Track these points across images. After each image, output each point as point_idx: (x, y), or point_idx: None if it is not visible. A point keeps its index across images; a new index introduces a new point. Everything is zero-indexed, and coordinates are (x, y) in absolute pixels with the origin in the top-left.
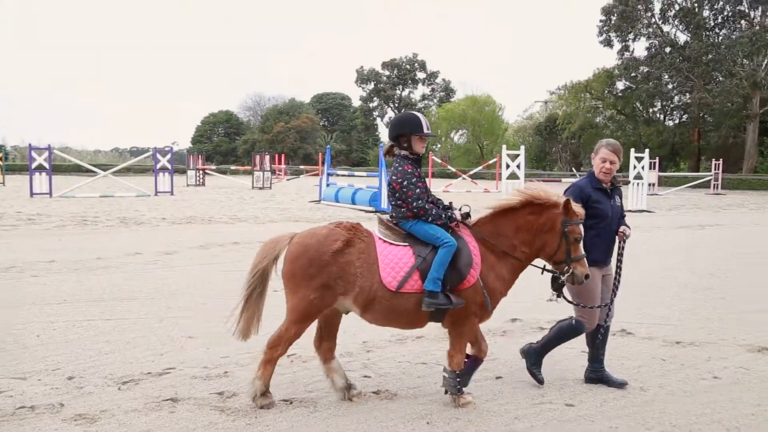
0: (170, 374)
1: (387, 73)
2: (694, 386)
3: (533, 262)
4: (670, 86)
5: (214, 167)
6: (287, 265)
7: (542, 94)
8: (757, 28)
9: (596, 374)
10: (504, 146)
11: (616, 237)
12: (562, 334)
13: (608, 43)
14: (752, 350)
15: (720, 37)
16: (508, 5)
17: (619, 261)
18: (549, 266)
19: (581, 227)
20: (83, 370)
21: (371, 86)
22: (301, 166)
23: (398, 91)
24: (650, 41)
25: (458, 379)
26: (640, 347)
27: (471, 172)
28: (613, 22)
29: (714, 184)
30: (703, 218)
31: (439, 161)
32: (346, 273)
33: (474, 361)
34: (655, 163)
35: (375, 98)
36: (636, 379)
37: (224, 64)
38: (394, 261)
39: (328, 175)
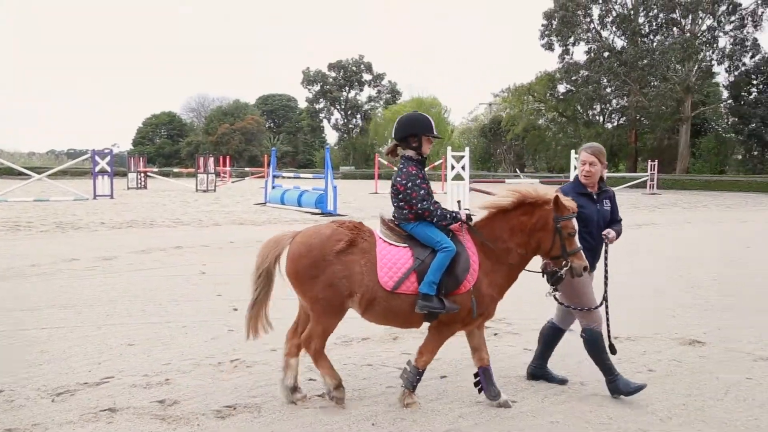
0: (108, 383)
1: (333, 74)
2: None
3: (529, 266)
4: (608, 90)
5: (156, 170)
6: (290, 264)
7: (487, 96)
8: (688, 35)
9: (539, 371)
10: (449, 148)
11: (602, 235)
12: (596, 348)
13: (550, 47)
14: (684, 343)
15: (654, 43)
16: (455, 8)
17: (605, 266)
18: (547, 267)
19: (574, 221)
20: (14, 382)
21: (317, 88)
22: (247, 168)
23: (345, 93)
24: (589, 46)
25: (418, 377)
26: (580, 343)
27: None
28: (554, 26)
29: (650, 184)
30: (640, 217)
31: (386, 162)
32: (352, 272)
33: (484, 372)
34: None
35: (321, 100)
36: (576, 375)
37: (168, 64)
38: (393, 261)
39: (274, 177)
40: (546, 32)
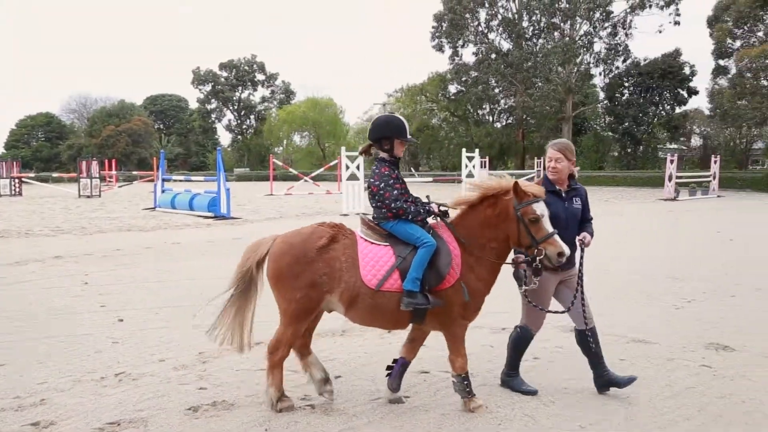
0: None
1: (225, 74)
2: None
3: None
4: (496, 90)
5: (33, 175)
6: (272, 264)
7: (381, 96)
8: (568, 39)
9: (602, 378)
10: (343, 148)
11: (577, 241)
12: (519, 344)
13: (440, 48)
14: (565, 330)
15: (538, 46)
16: (348, 8)
17: (580, 272)
18: (518, 267)
19: (536, 206)
20: None
21: (209, 88)
22: (135, 172)
23: (237, 93)
24: (477, 48)
25: (466, 382)
26: (471, 335)
27: (313, 174)
28: (443, 29)
29: (537, 181)
30: None
31: (281, 164)
32: (332, 269)
33: (403, 364)
34: (485, 161)
35: (213, 100)
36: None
37: (44, 63)
38: (375, 260)
39: (164, 180)
40: (436, 34)
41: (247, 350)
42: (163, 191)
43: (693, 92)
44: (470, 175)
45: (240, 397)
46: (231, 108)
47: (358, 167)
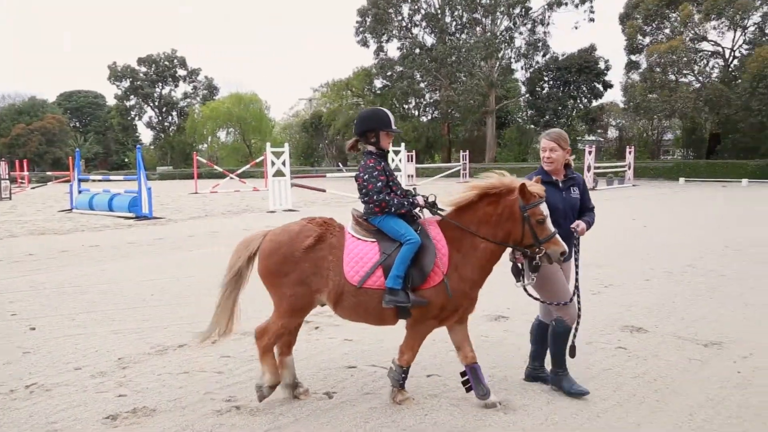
0: None
1: (144, 69)
2: (443, 359)
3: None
4: (422, 85)
5: None
6: (261, 262)
7: (306, 92)
8: (489, 34)
9: (535, 372)
10: (268, 144)
11: (571, 228)
12: (558, 341)
13: (365, 43)
14: (491, 319)
15: (461, 41)
16: (270, 2)
17: (576, 260)
18: (516, 262)
19: (542, 207)
20: None
21: (127, 84)
22: (49, 173)
23: (158, 89)
24: (402, 42)
25: (404, 375)
26: (396, 327)
27: (239, 171)
28: (368, 23)
29: (463, 173)
30: None
31: (205, 161)
32: (320, 268)
33: (471, 370)
34: (412, 155)
35: (132, 96)
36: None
37: None
38: (359, 256)
39: (80, 180)
40: (360, 29)
41: (230, 335)
42: (80, 192)
43: (608, 86)
44: (396, 170)
45: (162, 401)
46: (152, 104)
47: (284, 163)
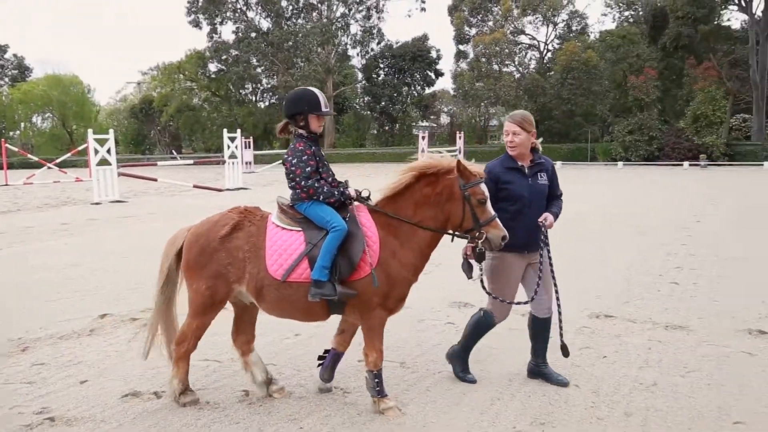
0: None
1: None
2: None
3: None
4: (259, 70)
5: None
6: (183, 256)
7: (135, 74)
8: (326, 20)
9: (537, 368)
10: (90, 131)
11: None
12: (478, 329)
13: (197, 24)
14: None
15: (297, 26)
16: None
17: (550, 258)
18: (468, 257)
19: (482, 187)
20: None
21: None
22: None
23: None
24: (237, 26)
25: (377, 380)
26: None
27: (58, 160)
28: (200, 4)
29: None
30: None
31: (17, 150)
32: (235, 258)
33: (335, 355)
34: (249, 142)
35: None
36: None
37: None
38: (283, 248)
39: None
40: (192, 9)
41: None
42: None
43: (439, 74)
44: (233, 156)
45: (3, 408)
46: None
47: (108, 151)
